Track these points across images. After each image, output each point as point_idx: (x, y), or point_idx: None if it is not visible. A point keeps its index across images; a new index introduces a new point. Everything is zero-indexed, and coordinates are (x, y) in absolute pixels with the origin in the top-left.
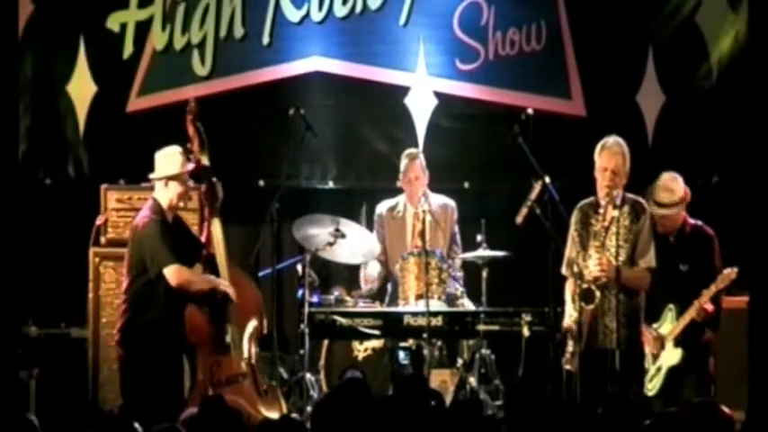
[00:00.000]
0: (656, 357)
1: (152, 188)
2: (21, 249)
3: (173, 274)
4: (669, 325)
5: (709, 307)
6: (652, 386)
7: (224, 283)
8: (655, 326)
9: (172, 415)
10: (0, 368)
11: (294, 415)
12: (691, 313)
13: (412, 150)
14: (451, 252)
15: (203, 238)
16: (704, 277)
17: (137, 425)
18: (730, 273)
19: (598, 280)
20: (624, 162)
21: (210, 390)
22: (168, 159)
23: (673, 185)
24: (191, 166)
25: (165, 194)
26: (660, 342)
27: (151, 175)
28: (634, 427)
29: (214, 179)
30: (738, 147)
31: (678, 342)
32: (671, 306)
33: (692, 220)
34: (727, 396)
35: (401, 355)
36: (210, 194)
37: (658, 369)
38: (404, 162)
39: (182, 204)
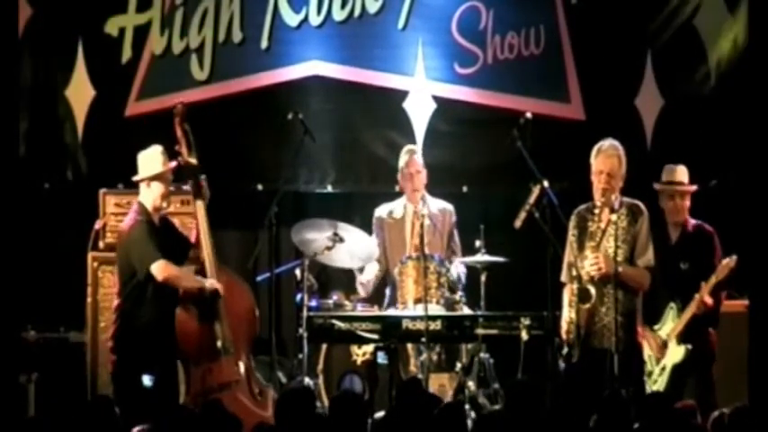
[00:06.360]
0: (659, 359)
1: None
2: (19, 254)
3: (159, 268)
4: (671, 323)
5: (709, 300)
6: (657, 387)
7: (210, 281)
8: (656, 327)
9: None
10: None
11: None
12: (692, 308)
13: (410, 146)
14: (451, 255)
15: (192, 239)
16: (704, 274)
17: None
18: (729, 262)
19: (594, 279)
20: (620, 165)
21: (203, 397)
22: (149, 160)
23: (674, 167)
24: (173, 164)
25: (149, 196)
26: (663, 344)
27: (134, 177)
28: (627, 428)
29: (202, 178)
30: (737, 150)
31: (681, 339)
32: (672, 304)
33: (693, 220)
34: (728, 398)
35: (380, 355)
36: (198, 192)
37: (663, 369)
38: (403, 158)
39: (165, 205)
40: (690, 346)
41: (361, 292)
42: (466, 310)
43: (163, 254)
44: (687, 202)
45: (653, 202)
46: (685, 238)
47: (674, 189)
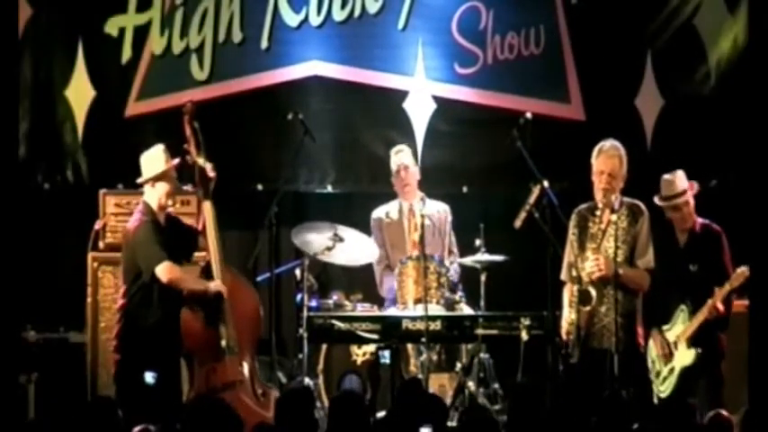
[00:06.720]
0: (667, 360)
1: None
2: (19, 254)
3: (164, 270)
4: (681, 325)
5: (721, 307)
6: (665, 387)
7: (215, 284)
8: (665, 327)
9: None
10: None
11: None
12: (704, 312)
13: (398, 147)
14: (449, 255)
15: (199, 227)
16: (714, 276)
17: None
18: (744, 271)
19: (595, 280)
20: (621, 165)
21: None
22: (152, 160)
23: (671, 179)
24: (176, 161)
25: (154, 195)
26: (672, 344)
27: (138, 179)
28: (626, 428)
29: (210, 173)
30: (737, 150)
31: (692, 343)
32: (683, 307)
33: (700, 220)
34: (728, 396)
35: (383, 354)
36: (202, 177)
37: (671, 370)
38: (392, 159)
39: (170, 203)
40: (699, 350)
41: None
42: (466, 309)
43: (170, 252)
44: (692, 207)
45: (653, 203)
46: (694, 239)
47: (676, 203)
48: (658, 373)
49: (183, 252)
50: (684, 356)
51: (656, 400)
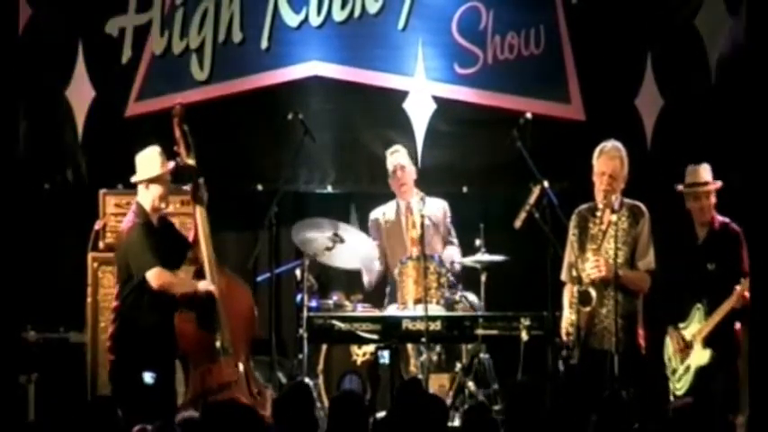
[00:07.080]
0: (684, 357)
1: None
2: (19, 254)
3: (153, 276)
4: (697, 324)
5: (747, 293)
6: (680, 386)
7: (204, 284)
8: (681, 325)
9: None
10: None
11: None
12: (731, 301)
13: (393, 147)
14: (451, 246)
15: (191, 238)
16: (731, 276)
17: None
18: None
19: (595, 281)
20: (622, 166)
21: (203, 398)
22: (147, 161)
23: (696, 168)
24: (171, 165)
25: (148, 197)
26: (688, 343)
27: (132, 179)
28: (626, 428)
29: (200, 180)
30: (738, 150)
31: (707, 342)
32: (699, 305)
33: (720, 218)
34: (743, 395)
35: (382, 354)
36: (195, 196)
37: (687, 368)
38: (388, 160)
39: (164, 206)
40: (714, 352)
41: (366, 279)
42: (471, 297)
43: (161, 256)
44: (713, 201)
45: (653, 203)
46: (712, 236)
47: (698, 191)
48: (674, 371)
49: (173, 258)
50: (700, 356)
51: (672, 398)
